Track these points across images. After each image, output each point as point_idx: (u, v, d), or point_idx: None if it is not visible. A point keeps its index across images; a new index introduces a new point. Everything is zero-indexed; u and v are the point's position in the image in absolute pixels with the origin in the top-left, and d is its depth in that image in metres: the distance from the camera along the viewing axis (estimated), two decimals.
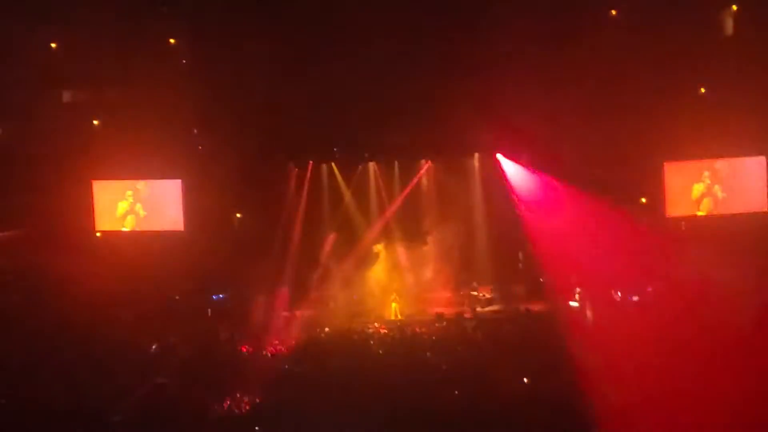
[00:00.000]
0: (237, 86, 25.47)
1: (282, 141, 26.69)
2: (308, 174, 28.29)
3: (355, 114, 25.60)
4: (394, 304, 27.59)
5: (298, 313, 27.11)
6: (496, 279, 28.12)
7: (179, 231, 26.58)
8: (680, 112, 24.13)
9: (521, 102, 23.95)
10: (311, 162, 28.42)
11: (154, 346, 21.12)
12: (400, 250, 28.14)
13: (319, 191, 28.71)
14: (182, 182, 26.44)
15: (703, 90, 25.01)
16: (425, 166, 28.77)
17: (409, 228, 28.13)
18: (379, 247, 28.64)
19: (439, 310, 27.01)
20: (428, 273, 28.18)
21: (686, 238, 25.31)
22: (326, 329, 25.12)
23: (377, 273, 28.43)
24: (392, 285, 28.06)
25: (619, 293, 25.06)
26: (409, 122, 25.66)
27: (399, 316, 27.32)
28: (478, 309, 27.41)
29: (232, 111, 25.68)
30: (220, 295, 26.85)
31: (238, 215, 28.02)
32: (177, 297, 25.79)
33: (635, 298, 24.62)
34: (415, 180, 28.67)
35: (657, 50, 23.95)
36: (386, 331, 24.45)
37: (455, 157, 27.96)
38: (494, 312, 27.09)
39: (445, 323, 25.33)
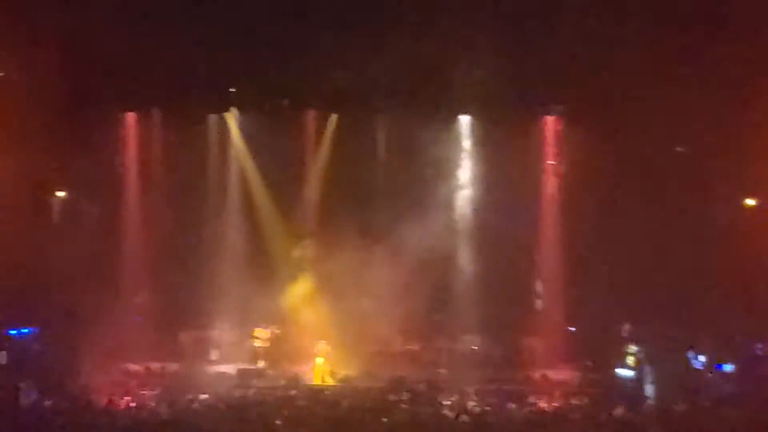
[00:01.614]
0: None
1: (140, 75, 26.83)
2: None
3: (269, 39, 26.09)
4: (319, 359, 27.02)
5: (155, 366, 26.81)
6: (496, 324, 27.75)
7: None
8: None
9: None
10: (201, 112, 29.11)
11: None
12: (337, 262, 27.47)
13: (202, 157, 28.75)
14: None
15: None
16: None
17: (353, 224, 27.76)
18: (300, 254, 28.51)
19: (399, 373, 26.33)
20: (382, 306, 27.53)
21: None
22: (202, 396, 24.24)
23: (296, 300, 28.22)
24: (320, 324, 27.54)
25: (700, 358, 25.17)
26: (357, 56, 26.06)
27: (328, 380, 26.77)
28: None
29: (53, 23, 25.56)
30: (23, 330, 26.41)
31: (59, 194, 27.72)
32: None
33: (729, 368, 24.86)
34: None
35: None
36: (305, 403, 23.47)
37: (432, 115, 28.15)
38: (491, 381, 26.16)
39: (407, 395, 24.32)
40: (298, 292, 28.22)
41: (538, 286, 28.70)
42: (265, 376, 26.98)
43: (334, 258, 27.56)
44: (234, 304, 27.83)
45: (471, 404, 23.74)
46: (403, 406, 23.37)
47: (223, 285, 27.94)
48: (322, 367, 26.99)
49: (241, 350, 27.95)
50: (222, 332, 27.84)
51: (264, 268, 28.18)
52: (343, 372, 27.14)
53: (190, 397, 24.15)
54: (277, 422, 21.04)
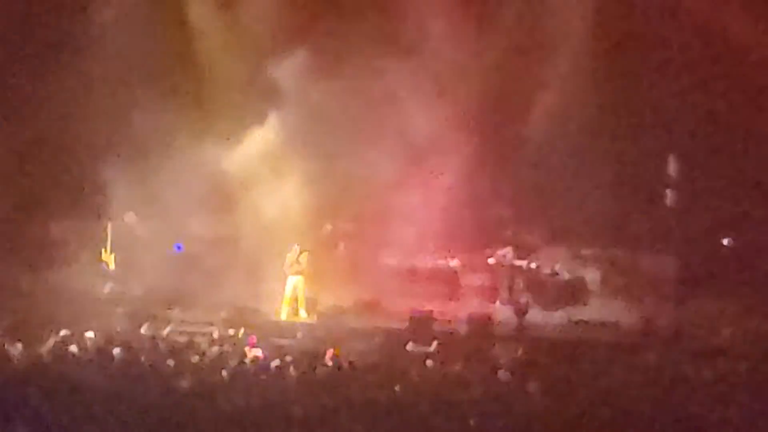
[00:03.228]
0: None
1: None
2: None
3: None
4: (294, 275, 25.23)
5: None
6: (590, 231, 26.13)
7: None
8: None
9: None
10: None
11: None
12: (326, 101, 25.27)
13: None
14: None
15: None
16: None
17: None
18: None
19: (426, 306, 25.08)
20: (400, 180, 25.52)
21: None
22: (88, 335, 22.26)
23: (251, 180, 26.07)
24: (293, 218, 25.60)
25: None
26: None
27: (303, 315, 25.25)
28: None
29: None
30: None
31: None
32: None
33: None
34: None
35: None
36: (261, 356, 21.70)
37: None
38: (576, 326, 24.77)
39: (437, 344, 23.02)
40: (256, 169, 25.68)
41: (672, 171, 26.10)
42: (189, 304, 24.76)
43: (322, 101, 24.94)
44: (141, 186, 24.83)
45: (542, 360, 22.12)
46: (430, 362, 21.35)
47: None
48: (294, 291, 24.81)
49: (152, 255, 25.23)
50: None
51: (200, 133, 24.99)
52: (330, 299, 25.40)
53: (61, 335, 21.62)
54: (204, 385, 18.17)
